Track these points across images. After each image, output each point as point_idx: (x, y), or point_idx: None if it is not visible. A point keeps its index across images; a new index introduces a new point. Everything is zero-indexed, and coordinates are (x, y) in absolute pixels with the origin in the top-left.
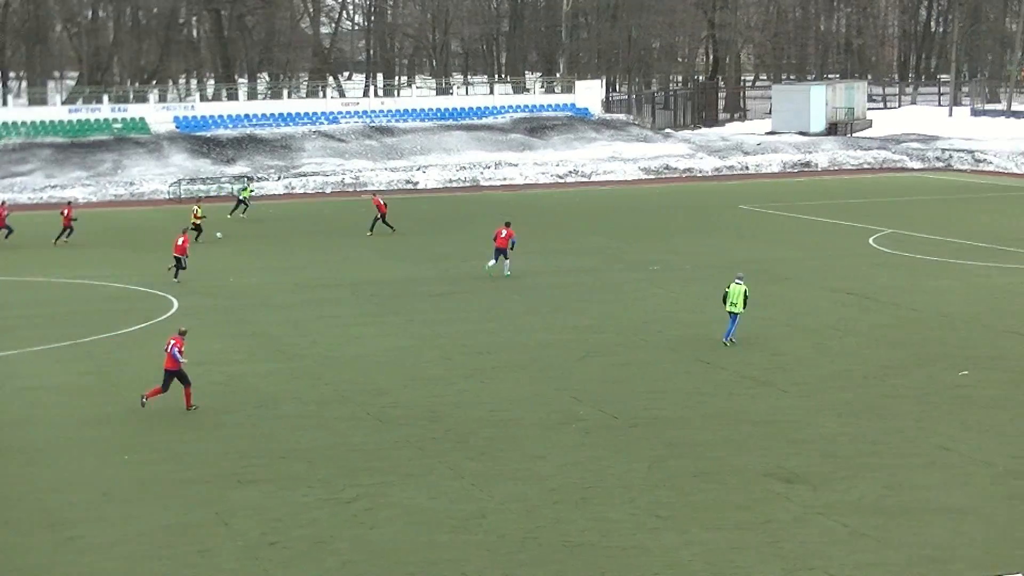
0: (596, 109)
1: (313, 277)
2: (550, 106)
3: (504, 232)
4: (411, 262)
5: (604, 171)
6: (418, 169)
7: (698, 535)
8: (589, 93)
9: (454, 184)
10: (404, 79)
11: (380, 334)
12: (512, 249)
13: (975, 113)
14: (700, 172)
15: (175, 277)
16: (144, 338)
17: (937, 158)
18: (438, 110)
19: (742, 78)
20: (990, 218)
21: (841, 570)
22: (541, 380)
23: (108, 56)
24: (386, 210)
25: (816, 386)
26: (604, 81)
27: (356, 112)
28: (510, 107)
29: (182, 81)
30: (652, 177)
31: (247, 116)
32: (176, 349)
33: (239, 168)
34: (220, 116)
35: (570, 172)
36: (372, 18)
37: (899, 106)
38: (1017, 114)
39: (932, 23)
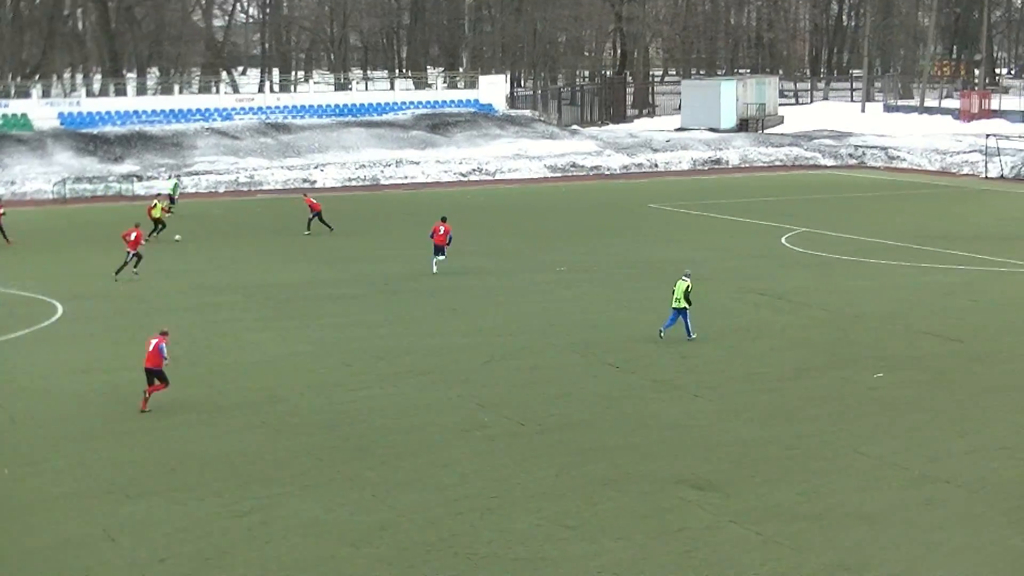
0: (500, 105)
1: (207, 280)
2: (453, 102)
3: (442, 228)
4: (309, 264)
5: (509, 169)
6: (316, 168)
7: (607, 545)
8: (493, 89)
9: (353, 183)
10: (301, 74)
11: (277, 339)
12: (448, 245)
13: (888, 109)
14: (608, 170)
15: (134, 268)
16: (27, 345)
17: (850, 155)
18: (336, 106)
19: (650, 73)
20: (904, 216)
21: None
22: (444, 386)
23: None
24: (320, 208)
25: (728, 389)
26: (508, 76)
27: (251, 108)
28: (411, 103)
29: (67, 76)
30: (558, 175)
31: (136, 112)
32: (163, 346)
33: (127, 167)
34: (108, 112)
35: (474, 170)
36: (267, 10)
37: (811, 102)
38: (930, 110)
39: (844, 17)
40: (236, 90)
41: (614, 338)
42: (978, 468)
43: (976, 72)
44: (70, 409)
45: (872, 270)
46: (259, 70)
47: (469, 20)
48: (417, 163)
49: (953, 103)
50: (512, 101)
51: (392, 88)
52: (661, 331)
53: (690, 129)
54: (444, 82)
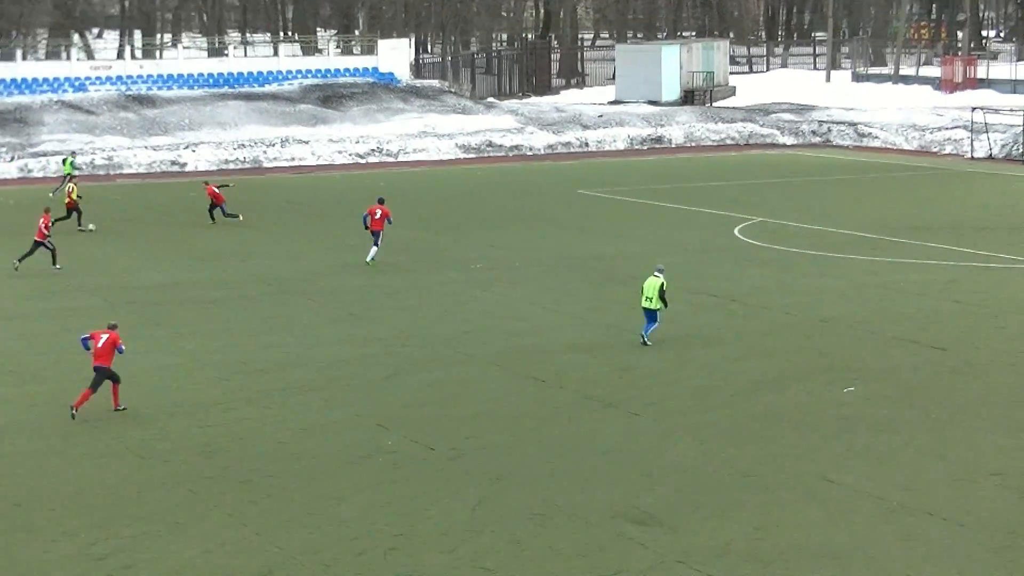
0: (403, 74)
1: (54, 282)
2: (348, 71)
3: (379, 212)
4: (180, 262)
5: (414, 149)
6: (186, 147)
7: None
8: (395, 55)
9: (231, 165)
10: (168, 37)
11: (139, 350)
12: (389, 224)
13: (857, 78)
14: (530, 150)
15: (54, 264)
16: None
17: (813, 132)
18: (210, 75)
19: (579, 36)
20: (876, 203)
21: None
22: (339, 404)
23: None
24: (223, 200)
25: (673, 407)
26: (413, 41)
27: (108, 78)
28: (299, 72)
29: None
30: (472, 156)
31: None
32: (121, 346)
33: None
34: None
35: (373, 150)
36: None
37: (767, 70)
38: (906, 79)
39: None
40: (90, 56)
41: (539, 347)
42: (962, 498)
43: (959, 35)
44: None
45: (840, 267)
46: (117, 32)
47: None
48: (306, 142)
49: (933, 71)
50: (417, 70)
51: (276, 54)
52: (643, 336)
53: (626, 102)
54: (337, 47)
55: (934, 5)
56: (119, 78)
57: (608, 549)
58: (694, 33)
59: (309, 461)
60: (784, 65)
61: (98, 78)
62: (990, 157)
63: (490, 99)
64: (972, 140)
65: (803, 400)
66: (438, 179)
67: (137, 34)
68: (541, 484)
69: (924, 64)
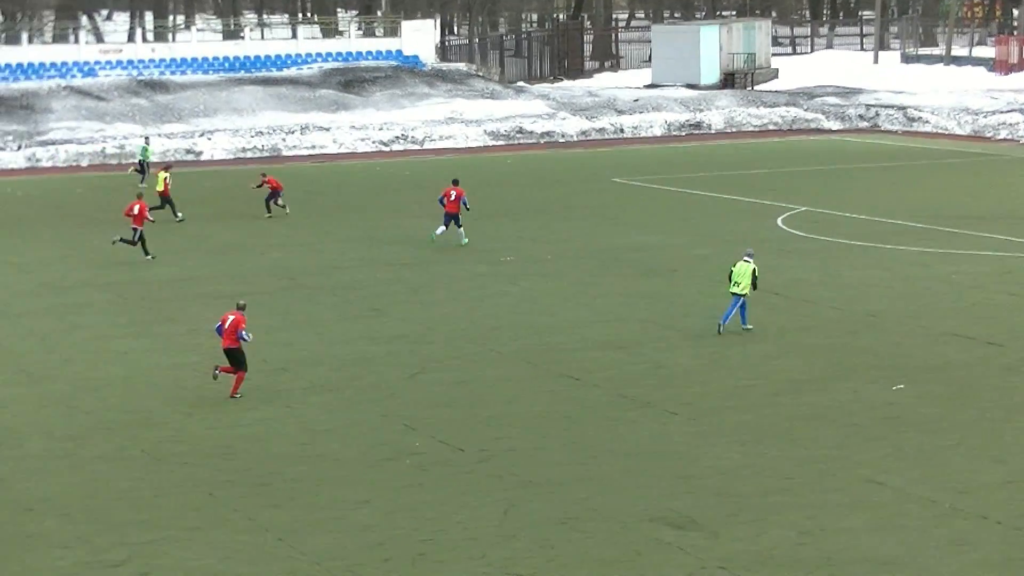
0: (429, 57)
1: (64, 276)
2: (370, 54)
3: (454, 193)
4: (191, 255)
5: (440, 136)
6: (201, 135)
7: None
8: (419, 37)
9: (248, 154)
10: (181, 19)
11: (153, 348)
12: (467, 210)
13: (906, 59)
14: (562, 136)
15: (147, 255)
16: None
17: (860, 116)
18: (226, 59)
19: (614, 17)
20: (926, 191)
21: None
22: (362, 404)
23: None
24: (282, 188)
25: (711, 406)
26: (438, 22)
27: (119, 62)
28: (318, 55)
29: None
30: (501, 143)
31: None
32: (243, 332)
33: None
34: None
35: (397, 138)
36: None
37: (812, 51)
38: (958, 60)
39: None
40: (100, 39)
41: (570, 344)
42: (1018, 501)
43: (1015, 13)
44: None
45: (887, 258)
46: (128, 14)
47: None
48: (327, 129)
49: (987, 51)
50: (443, 52)
51: (294, 37)
52: (720, 325)
53: (663, 86)
54: (359, 29)
55: None
56: (130, 62)
57: (645, 554)
58: (734, 13)
59: (331, 463)
60: (829, 46)
61: (108, 62)
62: None
63: (520, 83)
64: None
65: (848, 399)
66: (465, 167)
67: (148, 16)
68: (573, 487)
69: (977, 44)
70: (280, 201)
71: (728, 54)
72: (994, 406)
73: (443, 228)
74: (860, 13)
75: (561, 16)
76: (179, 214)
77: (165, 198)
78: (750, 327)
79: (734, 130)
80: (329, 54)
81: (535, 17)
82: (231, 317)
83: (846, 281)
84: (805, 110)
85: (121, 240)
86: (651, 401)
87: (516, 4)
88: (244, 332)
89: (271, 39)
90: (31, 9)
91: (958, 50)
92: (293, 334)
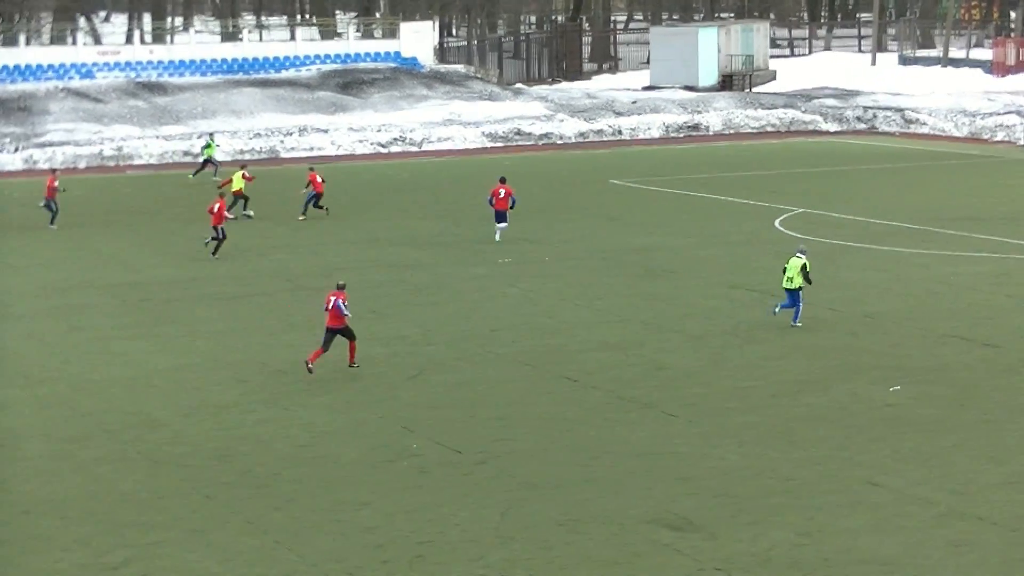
0: (427, 59)
1: (63, 278)
2: (368, 55)
3: (503, 191)
4: (191, 258)
5: (439, 138)
6: (199, 137)
7: None
8: (418, 39)
9: (246, 156)
10: (179, 21)
11: (153, 350)
12: (512, 209)
13: (904, 61)
14: (561, 138)
15: (213, 253)
16: None
17: (858, 118)
18: (224, 61)
19: (612, 19)
20: (924, 193)
21: None
22: (362, 406)
23: None
24: (322, 189)
25: (711, 408)
26: (437, 24)
27: (116, 64)
28: (317, 57)
29: None
30: (500, 145)
31: None
32: (341, 303)
33: None
34: None
35: (395, 139)
36: None
37: (810, 53)
38: (956, 62)
39: None
40: (98, 41)
41: (570, 345)
42: (1017, 503)
43: (1012, 15)
44: None
45: (886, 260)
46: (126, 16)
47: None
48: (325, 131)
49: (984, 53)
50: (442, 54)
51: (293, 39)
52: (776, 310)
53: (661, 88)
54: (357, 31)
55: None
56: (128, 64)
57: (644, 556)
58: (732, 15)
59: (331, 465)
60: (827, 48)
61: (106, 64)
62: None
63: (518, 85)
64: None
65: (847, 401)
66: (464, 169)
67: (147, 17)
68: (573, 489)
69: (975, 46)
70: (320, 203)
71: (726, 56)
72: (993, 407)
73: (501, 225)
74: (858, 15)
75: (560, 18)
76: (250, 212)
77: (239, 196)
78: (799, 324)
79: (732, 132)
80: (327, 56)
81: (534, 19)
82: (334, 298)
83: (844, 282)
84: (803, 112)
85: (213, 240)
86: (651, 402)
87: (515, 6)
88: (343, 304)
89: (269, 41)
90: (29, 10)
91: (955, 52)
92: (294, 336)
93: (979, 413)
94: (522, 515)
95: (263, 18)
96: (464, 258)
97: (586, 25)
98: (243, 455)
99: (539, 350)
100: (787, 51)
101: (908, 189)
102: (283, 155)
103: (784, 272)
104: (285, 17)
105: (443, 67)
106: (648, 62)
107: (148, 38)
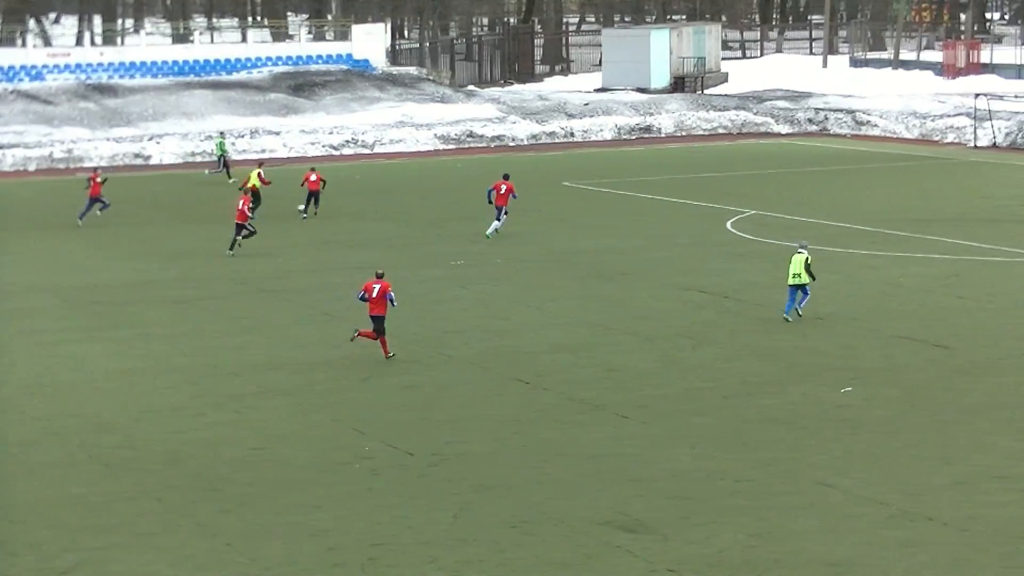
0: (379, 61)
1: (12, 281)
2: (320, 57)
3: (504, 187)
4: (142, 260)
5: (391, 140)
6: (150, 139)
7: None
8: (370, 41)
9: (198, 158)
10: (130, 23)
11: (103, 353)
12: (514, 199)
13: (855, 63)
14: (513, 140)
15: (230, 249)
16: None
17: (809, 120)
18: (175, 63)
19: (564, 21)
20: (875, 195)
21: None
22: (314, 408)
23: None
24: (319, 187)
25: (663, 410)
26: (389, 26)
27: (67, 66)
28: (268, 59)
29: None
30: (452, 147)
31: None
32: (391, 294)
33: None
34: None
35: (347, 142)
36: None
37: (761, 55)
38: (906, 64)
39: None
40: (48, 43)
41: (522, 347)
42: (967, 503)
43: (962, 17)
44: None
45: (837, 261)
46: (76, 17)
47: None
48: (277, 133)
49: (935, 56)
50: (394, 56)
51: (244, 40)
52: (786, 315)
53: (613, 89)
54: (309, 33)
55: None
56: (78, 66)
57: (596, 558)
58: (684, 16)
59: (283, 468)
60: (779, 50)
61: (56, 66)
62: (994, 146)
63: (470, 87)
64: (975, 128)
65: (799, 402)
66: (416, 171)
67: (97, 19)
68: (525, 491)
69: (925, 48)
70: (315, 202)
71: (678, 58)
72: (943, 408)
73: (496, 224)
74: (809, 17)
75: (512, 20)
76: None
77: (254, 194)
78: (801, 314)
79: (684, 134)
80: (279, 58)
81: (486, 21)
82: (376, 286)
83: None
84: (755, 114)
85: (243, 237)
86: (603, 404)
87: (467, 8)
88: (392, 295)
89: (221, 43)
90: None
91: (906, 54)
92: (246, 339)
93: (930, 414)
94: (475, 517)
95: (214, 20)
96: (417, 260)
97: (538, 27)
98: (194, 458)
99: (492, 352)
100: (739, 53)
101: (859, 191)
102: (235, 157)
103: (788, 270)
104: (236, 19)
105: (395, 69)
106: (600, 64)
107: (99, 40)
